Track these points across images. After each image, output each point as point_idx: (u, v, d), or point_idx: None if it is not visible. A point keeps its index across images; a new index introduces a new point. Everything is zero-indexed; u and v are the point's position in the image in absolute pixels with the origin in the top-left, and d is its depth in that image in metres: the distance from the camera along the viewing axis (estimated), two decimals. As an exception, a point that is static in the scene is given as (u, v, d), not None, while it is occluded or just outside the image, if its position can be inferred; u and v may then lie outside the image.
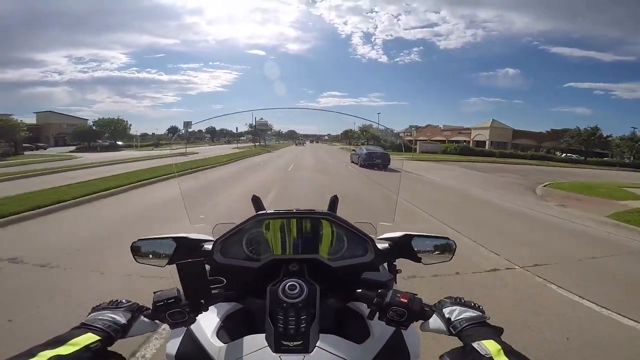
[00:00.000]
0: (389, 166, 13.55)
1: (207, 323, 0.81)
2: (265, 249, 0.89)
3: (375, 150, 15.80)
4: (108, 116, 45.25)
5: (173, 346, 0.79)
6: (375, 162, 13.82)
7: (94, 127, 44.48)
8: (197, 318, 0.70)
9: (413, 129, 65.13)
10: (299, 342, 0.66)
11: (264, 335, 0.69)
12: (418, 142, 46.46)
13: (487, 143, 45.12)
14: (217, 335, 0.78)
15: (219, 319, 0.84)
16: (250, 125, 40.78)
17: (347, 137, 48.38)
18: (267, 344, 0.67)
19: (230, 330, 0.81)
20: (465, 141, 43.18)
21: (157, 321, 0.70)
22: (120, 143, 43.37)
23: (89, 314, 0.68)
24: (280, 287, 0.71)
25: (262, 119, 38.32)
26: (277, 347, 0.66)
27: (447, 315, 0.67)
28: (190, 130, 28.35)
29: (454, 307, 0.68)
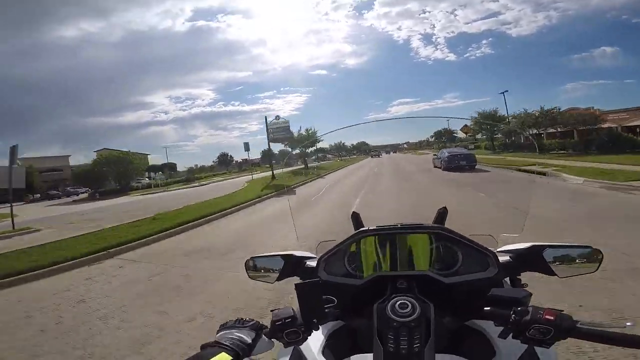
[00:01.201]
0: (476, 166, 13.09)
1: (313, 341, 0.80)
2: (368, 266, 0.88)
3: (458, 151, 15.28)
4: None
5: None
6: (460, 164, 13.41)
7: (96, 168, 35.41)
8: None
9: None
10: None
11: (371, 355, 0.67)
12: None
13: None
14: (323, 354, 0.79)
15: (324, 337, 0.84)
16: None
17: (440, 139, 43.44)
18: None
19: (335, 349, 0.81)
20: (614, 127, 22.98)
21: (274, 340, 0.71)
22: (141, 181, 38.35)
23: (218, 331, 0.71)
24: (389, 305, 0.68)
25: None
26: None
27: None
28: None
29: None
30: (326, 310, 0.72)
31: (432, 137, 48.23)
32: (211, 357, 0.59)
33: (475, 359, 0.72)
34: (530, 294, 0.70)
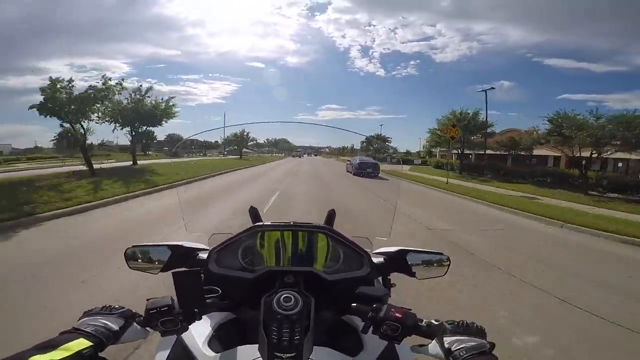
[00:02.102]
0: (379, 175, 15.95)
1: (199, 332, 0.81)
2: (260, 261, 0.89)
3: (367, 160, 18.16)
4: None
5: (163, 355, 0.80)
6: (367, 171, 16.14)
7: None
8: (189, 327, 0.71)
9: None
10: (292, 354, 0.64)
11: (256, 346, 0.68)
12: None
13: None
14: (209, 345, 0.79)
15: (211, 329, 0.84)
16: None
17: (370, 145, 41.66)
18: (259, 355, 0.67)
19: (223, 340, 0.82)
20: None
21: (148, 329, 0.70)
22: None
23: (80, 318, 0.67)
24: (275, 298, 0.70)
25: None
26: (270, 359, 0.64)
27: (447, 345, 0.64)
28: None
29: (455, 337, 0.65)
30: (208, 300, 0.73)
31: (363, 142, 48.31)
32: (67, 342, 0.56)
33: (347, 352, 0.76)
34: (387, 293, 0.78)
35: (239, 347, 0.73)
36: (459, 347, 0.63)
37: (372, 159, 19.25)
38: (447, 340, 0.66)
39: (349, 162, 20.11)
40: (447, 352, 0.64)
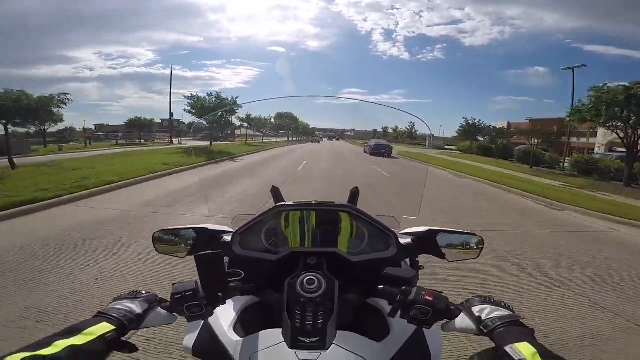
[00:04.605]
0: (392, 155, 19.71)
1: (225, 316, 0.82)
2: (283, 242, 0.89)
3: (382, 142, 22.06)
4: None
5: (190, 339, 0.81)
6: (381, 152, 19.67)
7: None
8: (214, 311, 0.71)
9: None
10: (316, 339, 0.63)
11: (280, 330, 0.68)
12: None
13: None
14: (234, 329, 0.79)
15: (235, 313, 0.84)
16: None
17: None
18: (283, 340, 0.66)
19: (247, 324, 0.82)
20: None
21: (174, 314, 0.70)
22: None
23: (109, 304, 0.68)
24: (299, 281, 0.69)
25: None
26: (294, 343, 0.64)
27: (477, 314, 0.64)
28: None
29: (484, 306, 0.65)
30: (231, 284, 0.72)
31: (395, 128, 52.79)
32: (90, 326, 0.57)
33: (372, 337, 0.74)
34: (416, 275, 0.75)
35: (262, 332, 0.73)
36: (489, 316, 0.62)
37: (385, 141, 23.04)
38: (475, 309, 0.65)
39: (366, 145, 23.75)
40: (478, 320, 0.63)
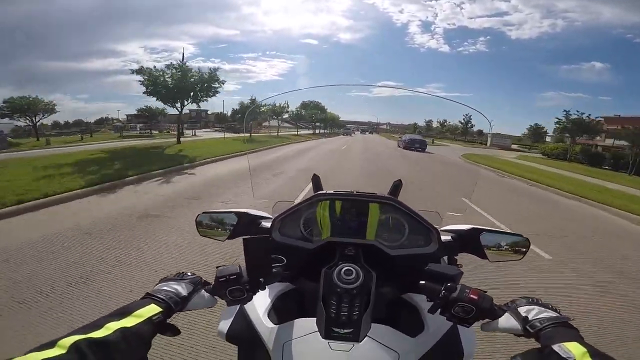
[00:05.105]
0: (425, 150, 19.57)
1: (260, 303, 0.81)
2: (321, 231, 0.88)
3: (415, 137, 21.89)
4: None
5: (225, 325, 0.81)
6: (414, 147, 19.60)
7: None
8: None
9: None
10: (350, 330, 0.63)
11: (314, 319, 0.68)
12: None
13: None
14: (268, 316, 0.79)
15: (270, 300, 0.84)
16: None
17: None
18: (317, 329, 0.66)
19: (281, 311, 0.81)
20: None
21: (216, 297, 0.71)
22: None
23: (156, 284, 0.69)
24: (336, 271, 0.69)
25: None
26: (327, 333, 0.64)
27: (523, 314, 0.62)
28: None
29: (532, 307, 0.64)
30: (274, 269, 0.72)
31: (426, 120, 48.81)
32: (140, 308, 0.58)
33: (406, 332, 0.73)
34: (461, 272, 0.70)
35: (297, 320, 0.73)
36: (536, 317, 0.61)
37: (420, 136, 22.81)
38: (522, 310, 0.64)
39: (400, 139, 23.69)
40: (524, 320, 0.62)
